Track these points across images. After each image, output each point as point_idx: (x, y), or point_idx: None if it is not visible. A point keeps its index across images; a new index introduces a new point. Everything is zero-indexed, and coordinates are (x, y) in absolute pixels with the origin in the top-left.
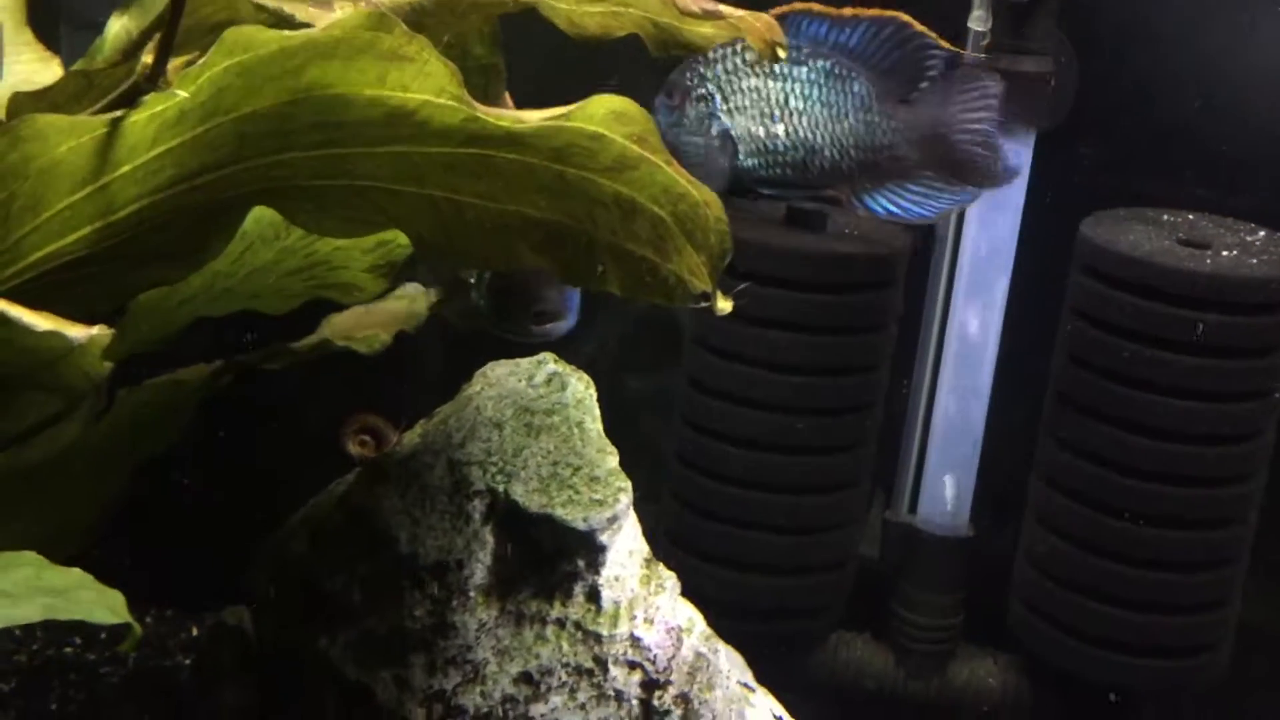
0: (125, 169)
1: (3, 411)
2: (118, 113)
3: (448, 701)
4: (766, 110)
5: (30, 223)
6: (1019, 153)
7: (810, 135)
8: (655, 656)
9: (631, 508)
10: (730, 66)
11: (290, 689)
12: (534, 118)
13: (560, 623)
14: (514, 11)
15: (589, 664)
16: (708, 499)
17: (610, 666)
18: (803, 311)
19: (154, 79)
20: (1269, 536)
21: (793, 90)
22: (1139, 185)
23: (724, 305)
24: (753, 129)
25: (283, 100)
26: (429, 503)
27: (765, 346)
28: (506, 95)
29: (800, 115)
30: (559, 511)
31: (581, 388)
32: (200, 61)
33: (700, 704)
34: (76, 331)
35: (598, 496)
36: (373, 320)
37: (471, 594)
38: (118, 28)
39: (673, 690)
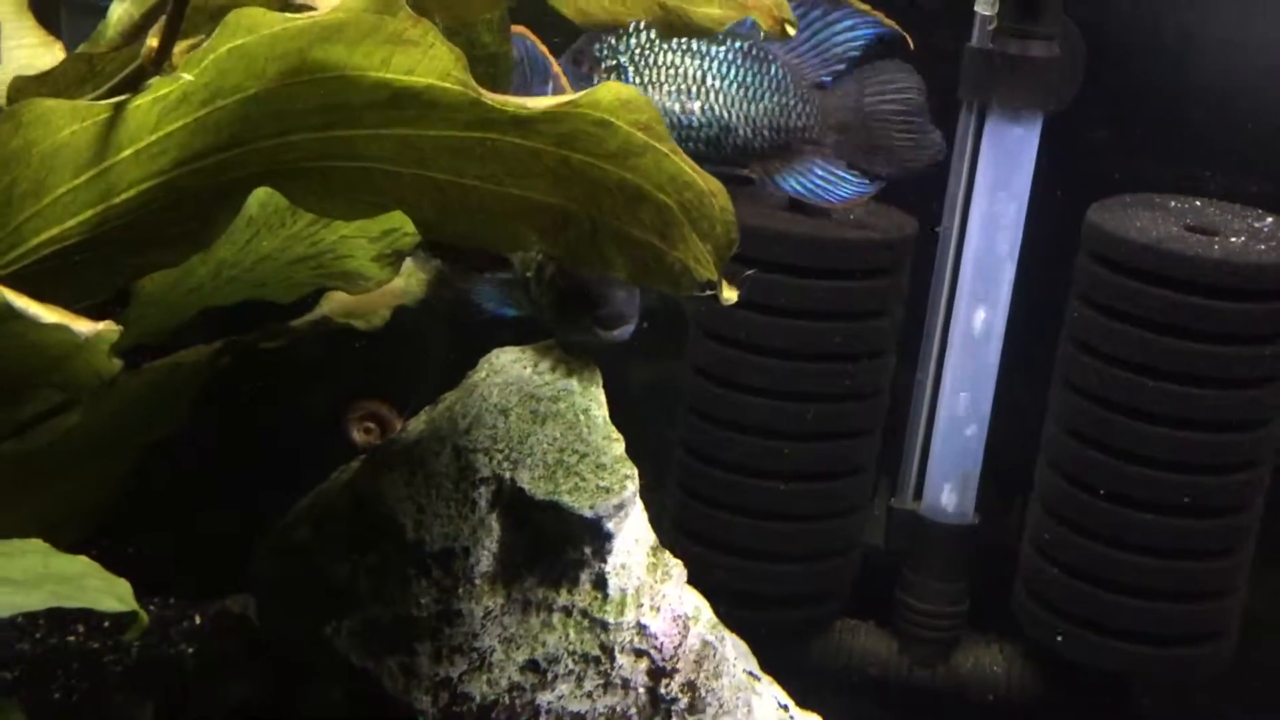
0: (127, 152)
1: (11, 406)
2: (122, 97)
3: (454, 689)
4: (683, 86)
5: (32, 207)
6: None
7: (725, 114)
8: (662, 644)
9: (638, 495)
10: (645, 41)
11: (295, 677)
12: (540, 104)
13: (567, 610)
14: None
15: (595, 652)
16: (713, 486)
17: (617, 654)
18: (807, 297)
19: (159, 63)
20: (1275, 524)
21: (710, 69)
22: (1145, 171)
23: (729, 295)
24: (667, 104)
25: (286, 82)
26: (434, 490)
27: (770, 333)
28: None
29: (716, 94)
30: (565, 499)
31: (587, 375)
32: (205, 44)
33: (707, 692)
34: (83, 326)
35: (604, 484)
36: (372, 297)
37: (477, 581)
38: (120, 11)
39: (679, 678)
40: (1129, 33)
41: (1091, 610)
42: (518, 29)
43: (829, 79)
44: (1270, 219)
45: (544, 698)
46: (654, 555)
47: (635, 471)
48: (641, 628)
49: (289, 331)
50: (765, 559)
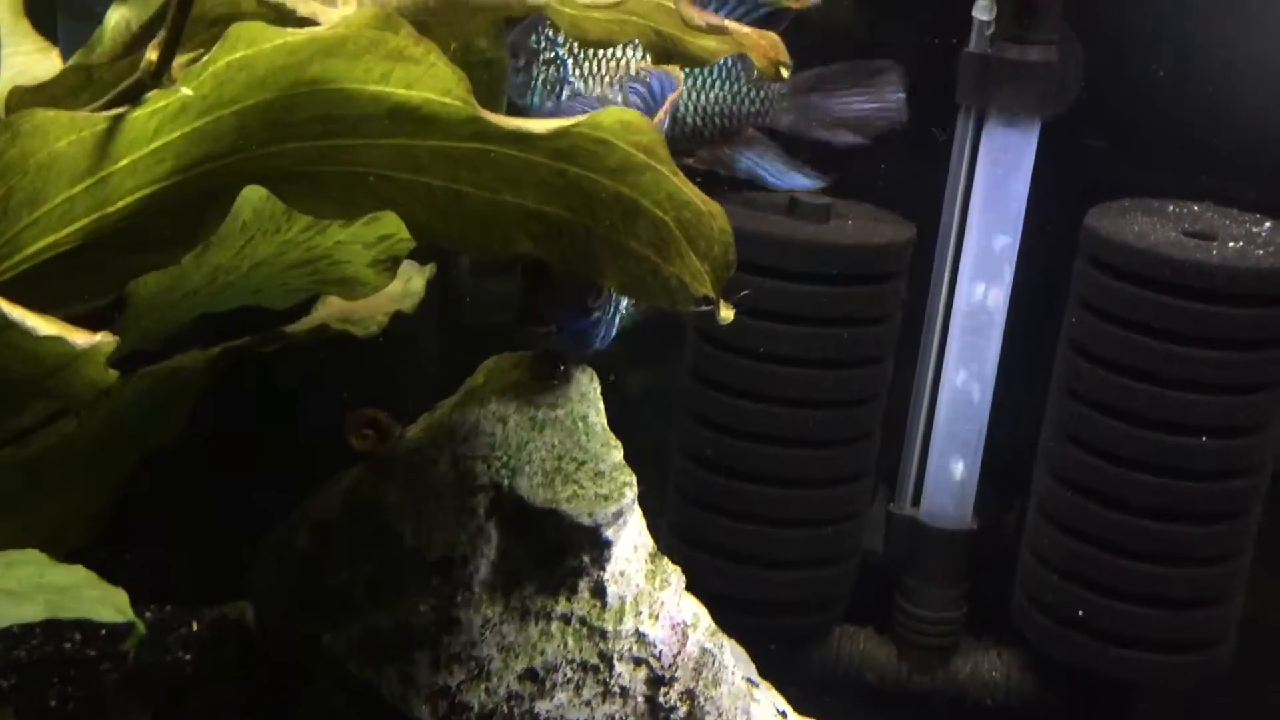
0: (124, 162)
1: (8, 414)
2: (120, 109)
3: (452, 698)
4: (628, 76)
5: (28, 217)
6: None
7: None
8: (661, 653)
9: (636, 502)
10: None
11: (293, 685)
12: (541, 125)
13: (565, 619)
14: (519, 12)
15: (594, 660)
16: (711, 493)
17: (615, 663)
18: (805, 303)
19: (158, 75)
20: (1273, 530)
21: None
22: (1143, 175)
23: (727, 314)
24: (609, 94)
25: (285, 94)
26: (433, 498)
27: (767, 339)
28: None
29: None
30: (564, 506)
31: (585, 381)
32: (205, 58)
33: (706, 700)
34: (80, 337)
35: (603, 491)
36: (369, 302)
37: (476, 590)
38: (117, 18)
39: (678, 686)
40: (1127, 37)
41: (1090, 615)
42: (669, 69)
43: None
44: (1269, 224)
45: (542, 706)
46: (653, 562)
47: (634, 479)
48: (640, 635)
49: (285, 337)
50: (764, 565)
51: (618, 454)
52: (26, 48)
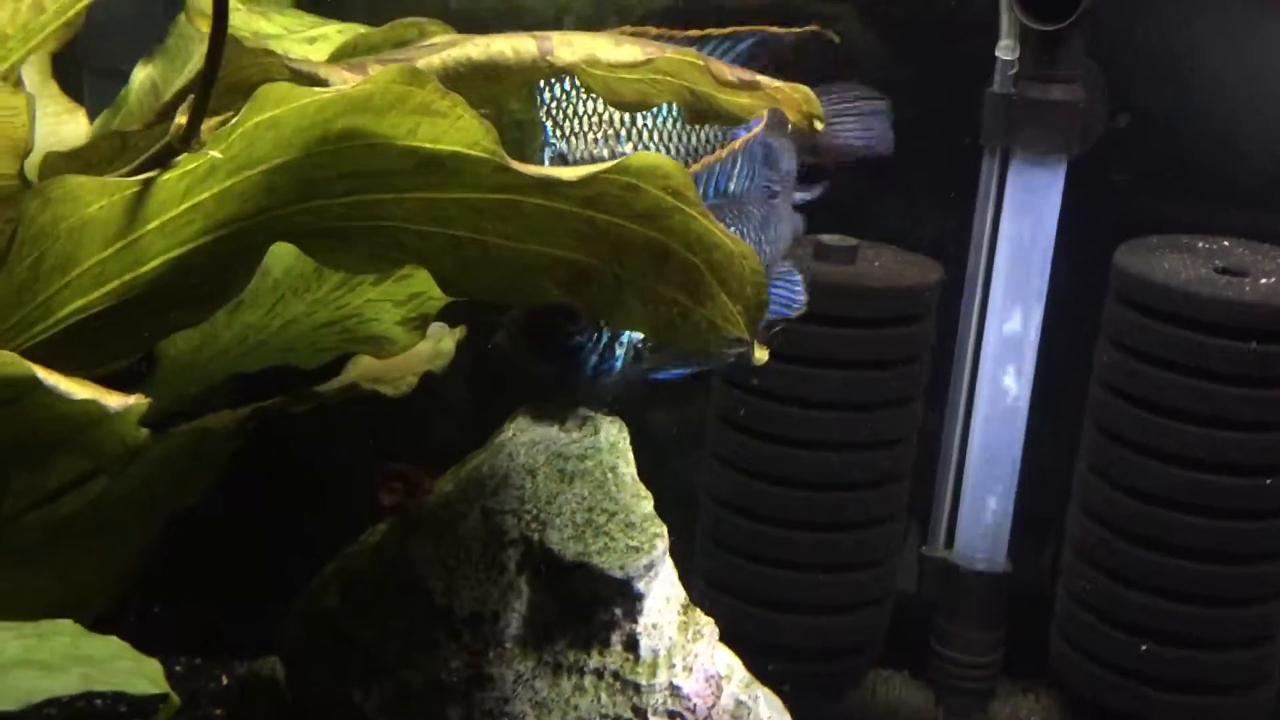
0: (154, 224)
1: (37, 471)
2: (151, 174)
3: None
4: (611, 131)
5: (59, 281)
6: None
7: (664, 149)
8: (695, 706)
9: (667, 553)
10: (562, 91)
11: None
12: (568, 173)
13: (598, 673)
14: (546, 76)
15: (628, 714)
16: (740, 538)
17: (650, 717)
18: (834, 346)
19: (187, 140)
20: None
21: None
22: (1172, 211)
23: (761, 355)
24: (595, 151)
25: (313, 152)
26: (463, 552)
27: (796, 382)
28: None
29: (650, 132)
30: (595, 559)
31: (614, 431)
32: (234, 120)
33: None
34: (114, 400)
35: (633, 543)
36: (399, 362)
37: (508, 645)
38: (142, 76)
39: None
40: (1152, 72)
41: (1129, 658)
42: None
43: None
44: None
45: None
46: (685, 614)
47: (664, 529)
48: (674, 689)
49: (316, 396)
50: (796, 610)
51: (648, 504)
52: (54, 109)
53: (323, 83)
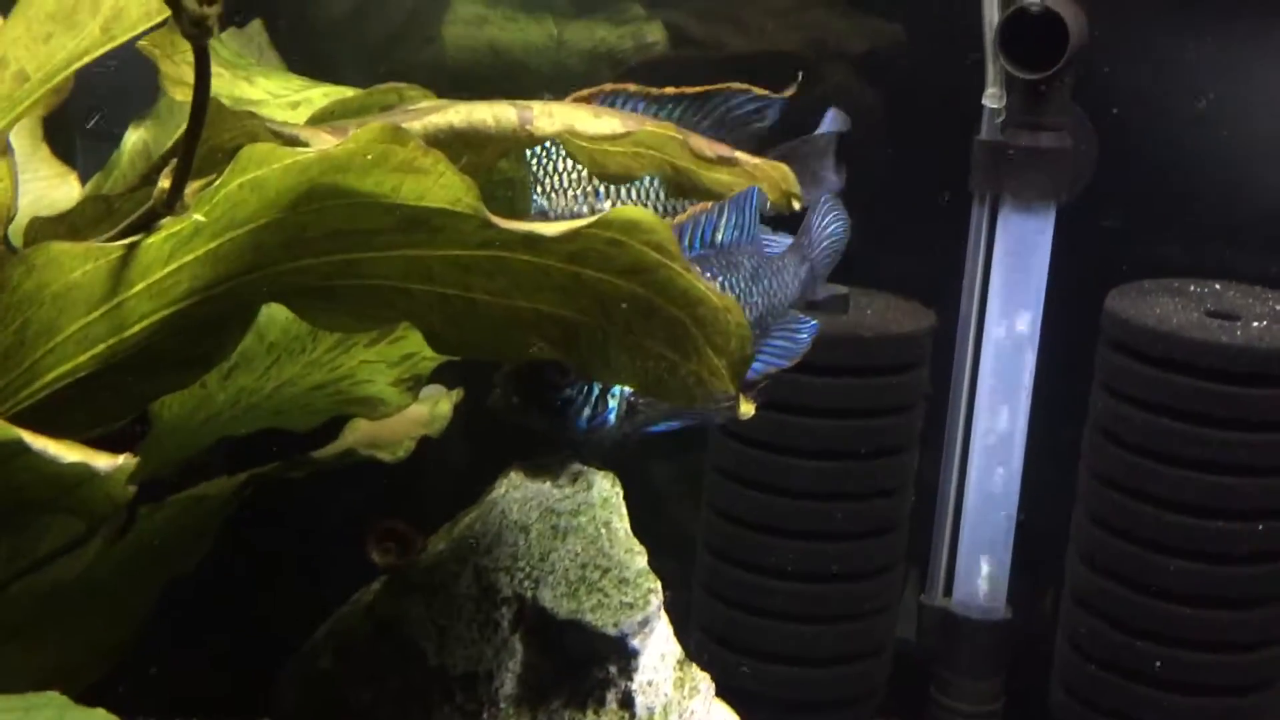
0: (139, 287)
1: (24, 533)
2: (134, 238)
3: None
4: (590, 188)
5: (45, 346)
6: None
7: (642, 205)
8: None
9: (663, 609)
10: (542, 149)
11: None
12: (551, 229)
13: None
14: (527, 144)
15: None
16: (738, 589)
17: None
18: (828, 396)
19: (171, 203)
20: None
21: None
22: (1162, 255)
23: (747, 409)
24: (575, 208)
25: (297, 212)
26: (456, 612)
27: (791, 432)
28: None
29: (629, 189)
30: (589, 617)
31: (607, 486)
32: (217, 181)
33: None
34: (103, 462)
35: (628, 599)
36: (396, 426)
37: (502, 705)
38: (135, 139)
39: None
40: (1141, 117)
41: (1130, 705)
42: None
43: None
44: None
45: None
46: (681, 669)
47: (659, 585)
48: None
49: (312, 463)
50: (795, 662)
51: (642, 560)
52: (45, 173)
53: (305, 145)
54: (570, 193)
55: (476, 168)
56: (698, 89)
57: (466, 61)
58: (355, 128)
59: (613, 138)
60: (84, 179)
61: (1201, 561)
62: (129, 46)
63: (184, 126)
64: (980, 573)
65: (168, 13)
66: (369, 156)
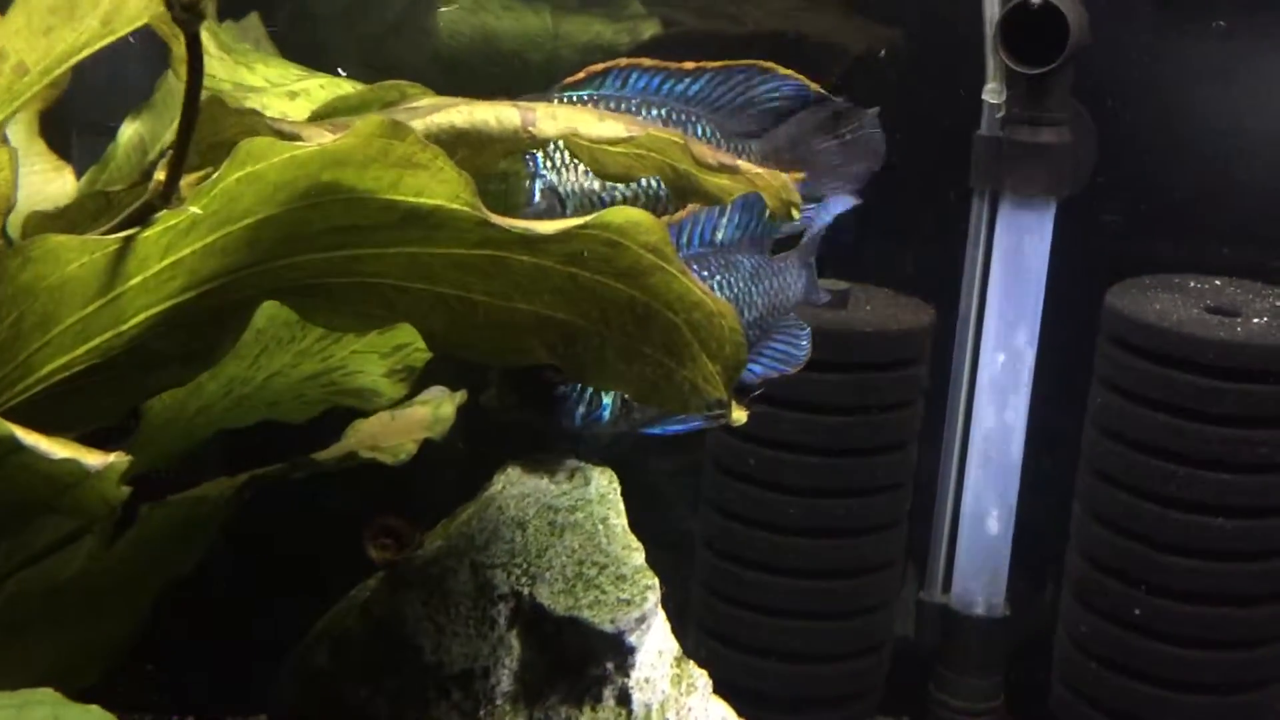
0: (135, 281)
1: (20, 532)
2: (130, 231)
3: None
4: None
5: (40, 339)
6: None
7: (652, 183)
8: None
9: (660, 605)
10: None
11: None
12: (548, 227)
13: None
14: (529, 147)
15: None
16: (737, 586)
17: None
18: (827, 391)
19: (166, 196)
20: None
21: None
22: (1162, 250)
23: (739, 415)
24: (585, 184)
25: (296, 207)
26: (453, 609)
27: (790, 428)
28: None
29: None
30: (585, 614)
31: (604, 482)
32: (214, 175)
33: None
34: (94, 459)
35: (625, 596)
36: (398, 428)
37: (499, 702)
38: (130, 133)
39: None
40: (1141, 112)
41: (1131, 702)
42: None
43: (758, 130)
44: None
45: None
46: (678, 666)
47: (656, 581)
48: None
49: (313, 464)
50: (793, 659)
51: (639, 556)
52: (40, 167)
53: (305, 141)
54: (581, 168)
55: (478, 168)
56: (719, 64)
57: (460, 52)
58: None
59: (615, 142)
60: (80, 172)
61: (1202, 558)
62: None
63: (178, 120)
64: (979, 569)
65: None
66: (368, 151)
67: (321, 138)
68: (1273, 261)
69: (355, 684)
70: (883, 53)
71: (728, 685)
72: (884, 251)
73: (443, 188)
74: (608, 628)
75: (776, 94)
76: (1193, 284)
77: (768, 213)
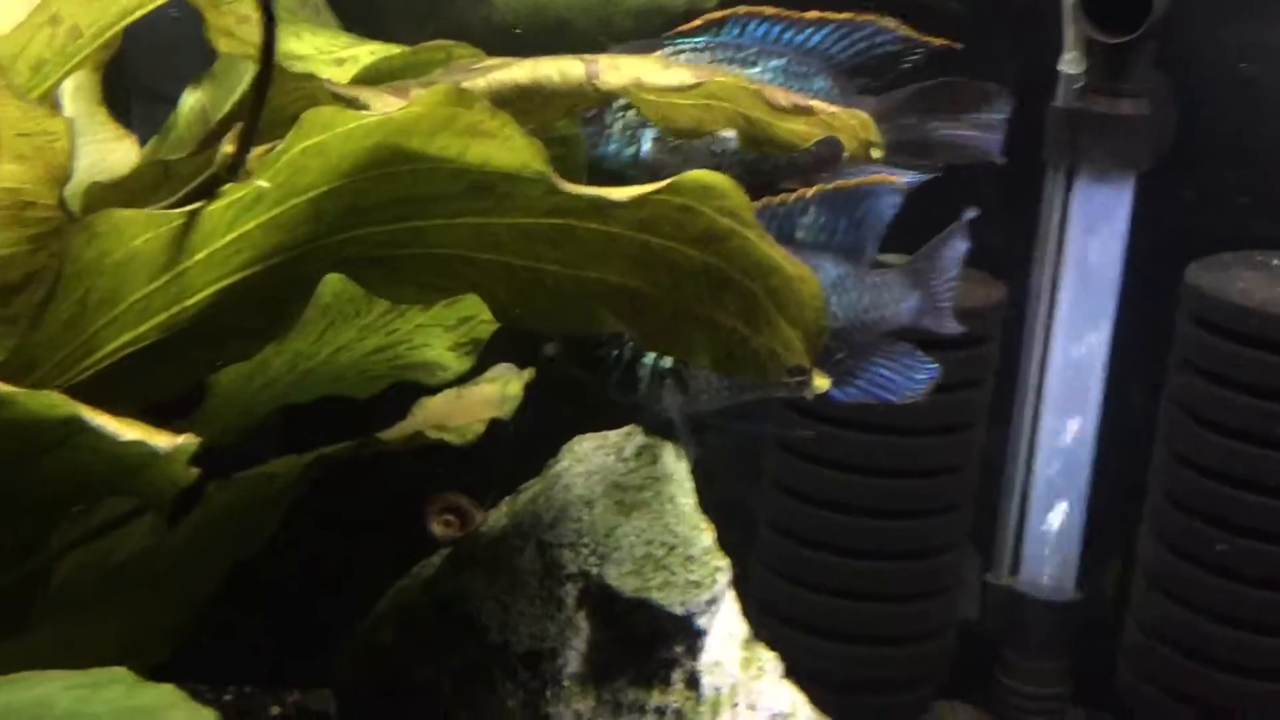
0: (201, 255)
1: (85, 515)
2: (196, 205)
3: None
4: None
5: (105, 315)
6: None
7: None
8: None
9: (729, 587)
10: None
11: None
12: (620, 193)
13: (660, 712)
14: (595, 102)
15: None
16: (800, 566)
17: None
18: None
19: (234, 169)
20: None
21: None
22: (1244, 226)
23: (821, 383)
24: (697, 139)
25: (360, 178)
26: (519, 588)
27: (856, 406)
28: None
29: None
30: (655, 595)
31: (673, 460)
32: (279, 146)
33: None
34: (162, 440)
35: (694, 577)
36: (465, 407)
37: (566, 683)
38: (191, 101)
39: None
40: (1223, 84)
41: (1203, 690)
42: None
43: (877, 88)
44: None
45: None
46: (748, 649)
47: (727, 563)
48: None
49: (380, 443)
50: (857, 641)
51: (709, 537)
52: (103, 136)
53: (367, 107)
54: None
55: (540, 125)
56: (845, 15)
57: (512, 15)
58: (417, 89)
59: (681, 90)
60: (141, 142)
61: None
62: None
63: (241, 88)
64: (1049, 551)
65: None
66: (435, 120)
67: (384, 103)
68: None
69: (420, 662)
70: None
71: (787, 665)
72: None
73: (511, 156)
74: (677, 610)
75: (900, 53)
76: (1275, 261)
77: (870, 215)
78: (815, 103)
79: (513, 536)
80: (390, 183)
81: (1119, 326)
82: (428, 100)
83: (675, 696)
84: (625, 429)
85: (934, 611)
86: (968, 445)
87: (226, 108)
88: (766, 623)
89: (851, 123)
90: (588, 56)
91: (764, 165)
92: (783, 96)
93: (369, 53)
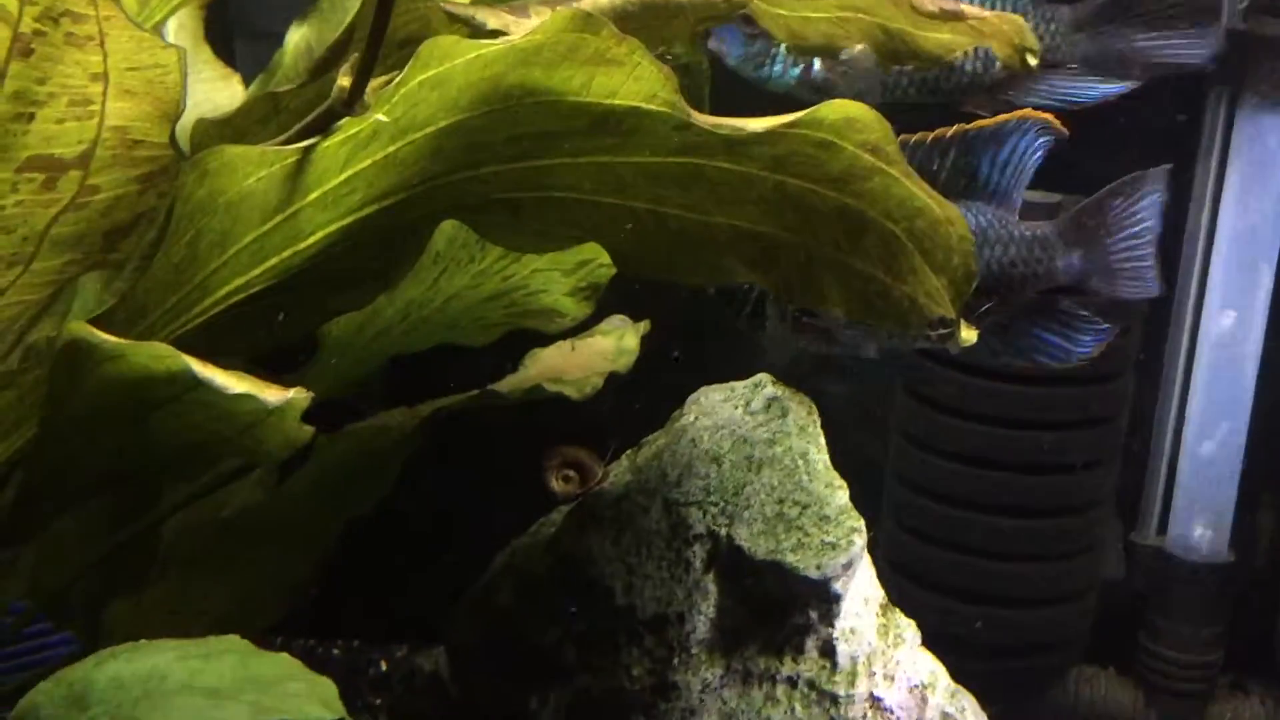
0: (314, 195)
1: (198, 473)
2: (311, 140)
3: None
4: None
5: (218, 259)
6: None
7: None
8: (898, 719)
9: (865, 549)
10: None
11: None
12: (755, 125)
13: (792, 681)
14: (724, 16)
15: None
16: (932, 523)
17: None
18: None
19: (351, 103)
20: None
21: None
22: None
23: (969, 335)
24: (864, 59)
25: (480, 113)
26: (645, 549)
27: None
28: None
29: None
30: (788, 558)
31: (803, 413)
32: (396, 79)
33: None
34: (273, 394)
35: (829, 539)
36: (580, 360)
37: (694, 650)
38: (297, 38)
39: None
40: None
41: None
42: None
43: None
44: None
45: None
46: (884, 615)
47: (862, 523)
48: (875, 700)
49: (497, 396)
50: (992, 602)
51: (843, 495)
52: (208, 74)
53: (484, 29)
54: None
55: (663, 44)
56: None
57: None
58: (536, 7)
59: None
60: (245, 81)
61: None
62: None
63: (350, 19)
64: (1200, 509)
65: None
66: (558, 48)
67: (503, 23)
68: None
69: (541, 624)
70: None
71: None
72: (1101, 159)
73: (638, 86)
74: (812, 574)
75: None
76: None
77: (1020, 156)
78: (965, 6)
79: (637, 494)
80: (510, 118)
81: None
82: (551, 27)
83: (808, 665)
84: (752, 379)
85: (1075, 572)
86: (1115, 395)
87: (332, 41)
88: (894, 583)
89: (1004, 28)
90: None
91: (946, 84)
92: (930, 1)
93: None
